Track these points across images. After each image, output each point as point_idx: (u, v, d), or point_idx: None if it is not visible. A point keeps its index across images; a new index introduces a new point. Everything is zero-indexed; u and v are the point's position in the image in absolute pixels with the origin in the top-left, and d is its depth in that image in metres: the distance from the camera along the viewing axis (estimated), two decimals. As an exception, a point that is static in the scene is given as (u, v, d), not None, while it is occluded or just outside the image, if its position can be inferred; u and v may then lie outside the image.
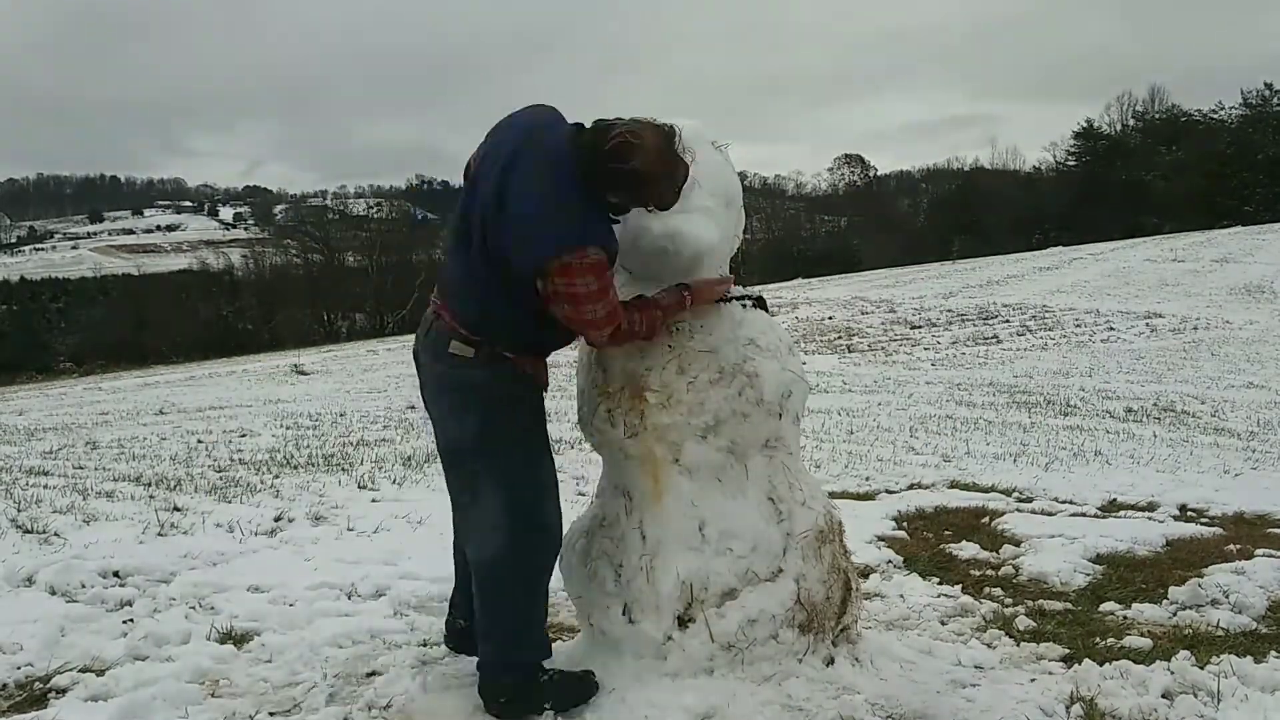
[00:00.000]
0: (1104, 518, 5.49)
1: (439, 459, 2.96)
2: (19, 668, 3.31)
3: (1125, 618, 3.75)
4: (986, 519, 5.36)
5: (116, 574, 4.32)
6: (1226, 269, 27.34)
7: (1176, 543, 4.88)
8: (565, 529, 3.03)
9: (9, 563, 4.44)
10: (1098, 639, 3.48)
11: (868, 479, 6.72)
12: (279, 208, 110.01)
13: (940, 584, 4.17)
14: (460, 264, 2.72)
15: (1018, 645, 3.42)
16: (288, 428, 10.04)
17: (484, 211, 2.57)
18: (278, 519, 5.46)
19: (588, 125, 2.60)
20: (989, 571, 4.41)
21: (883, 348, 18.22)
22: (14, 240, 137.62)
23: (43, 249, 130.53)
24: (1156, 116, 55.46)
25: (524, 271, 2.55)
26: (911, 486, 6.26)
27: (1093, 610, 3.84)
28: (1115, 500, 5.96)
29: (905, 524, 5.25)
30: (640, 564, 2.91)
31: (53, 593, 4.08)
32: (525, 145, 2.56)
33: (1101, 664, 3.14)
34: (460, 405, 2.78)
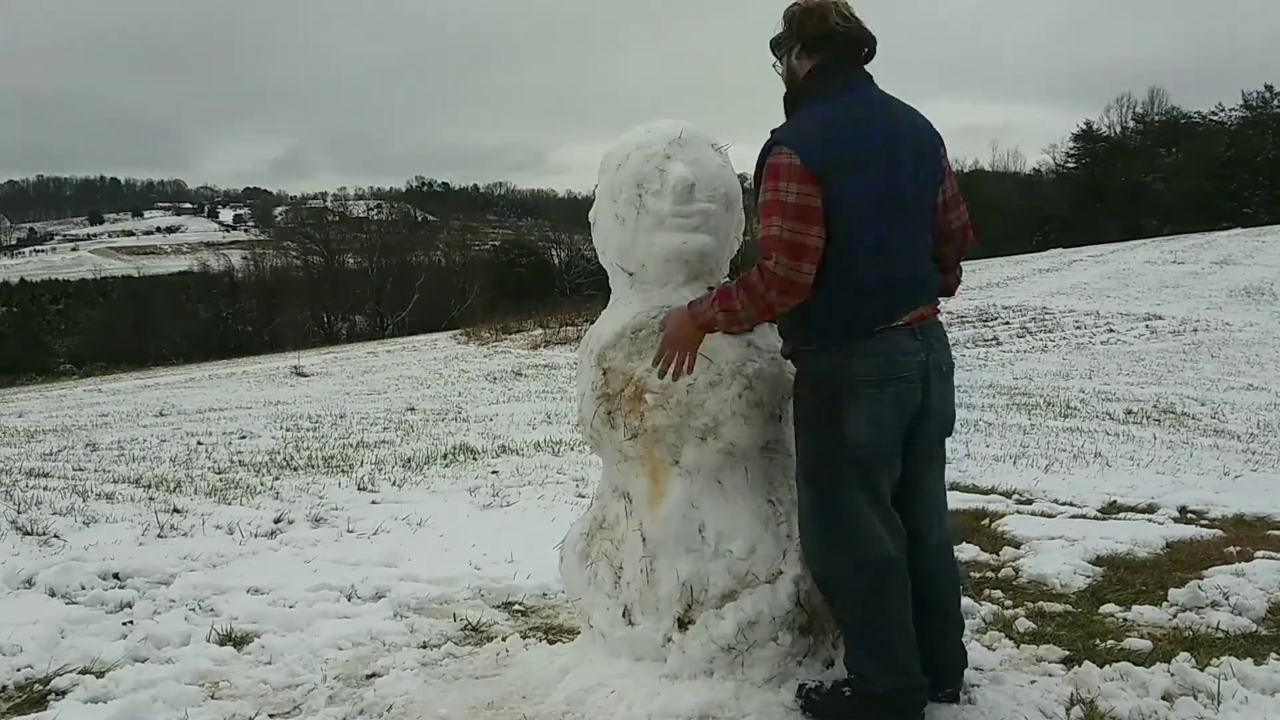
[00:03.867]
0: (1104, 520, 5.49)
1: (915, 455, 2.73)
2: (19, 669, 3.31)
3: (1125, 619, 3.75)
4: (986, 521, 5.36)
5: (116, 576, 4.33)
6: (1226, 271, 27.32)
7: (1176, 545, 4.88)
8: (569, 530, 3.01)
9: (9, 565, 4.44)
10: (1098, 641, 3.48)
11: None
12: (279, 209, 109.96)
13: (940, 586, 4.16)
14: (925, 242, 2.73)
15: (1018, 647, 3.42)
16: (287, 429, 10.04)
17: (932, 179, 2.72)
18: (277, 521, 5.47)
19: None
20: (989, 573, 4.41)
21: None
22: (14, 242, 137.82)
23: (42, 251, 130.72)
24: (1156, 119, 55.41)
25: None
26: (911, 488, 6.24)
27: (1093, 612, 3.84)
28: (1115, 502, 5.96)
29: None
30: (640, 565, 2.91)
31: (52, 594, 4.09)
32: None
33: (1101, 666, 3.14)
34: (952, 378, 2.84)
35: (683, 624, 2.85)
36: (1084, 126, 56.15)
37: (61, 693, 3.14)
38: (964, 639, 2.94)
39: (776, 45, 2.77)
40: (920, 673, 2.73)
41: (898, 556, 2.68)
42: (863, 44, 2.70)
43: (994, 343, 17.95)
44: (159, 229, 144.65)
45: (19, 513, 5.65)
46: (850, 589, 2.70)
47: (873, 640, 2.70)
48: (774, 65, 2.80)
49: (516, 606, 4.02)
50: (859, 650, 2.73)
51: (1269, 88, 51.26)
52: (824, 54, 2.66)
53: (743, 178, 3.10)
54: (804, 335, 2.71)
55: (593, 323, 3.16)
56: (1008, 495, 6.12)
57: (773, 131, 2.68)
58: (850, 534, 2.66)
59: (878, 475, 2.66)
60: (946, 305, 2.72)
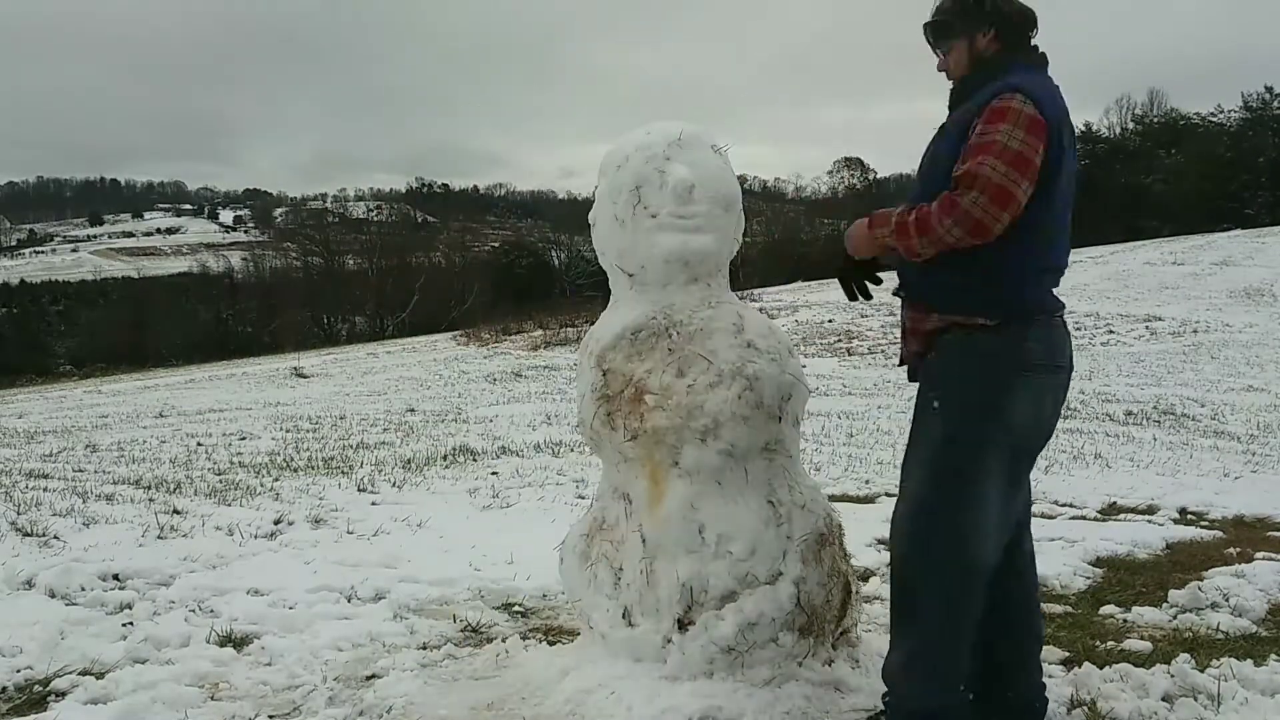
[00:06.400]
0: (1104, 521, 5.49)
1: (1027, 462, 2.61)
2: (19, 670, 3.31)
3: (1125, 621, 3.75)
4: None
5: (116, 577, 4.33)
6: (1226, 272, 27.34)
7: (1176, 546, 4.89)
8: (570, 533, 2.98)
9: (9, 565, 4.44)
10: (1098, 642, 3.48)
11: (868, 482, 6.72)
12: (279, 211, 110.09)
13: (940, 587, 4.16)
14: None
15: (1018, 648, 3.41)
16: (287, 431, 10.05)
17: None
18: (277, 522, 5.47)
19: None
20: (989, 574, 4.40)
21: (883, 350, 18.21)
22: (14, 243, 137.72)
23: (42, 252, 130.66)
24: (1156, 120, 55.42)
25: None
26: (911, 489, 6.25)
27: (1093, 613, 3.84)
28: (1115, 503, 5.96)
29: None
30: (640, 567, 2.91)
31: (52, 595, 4.09)
32: None
33: (1102, 667, 3.15)
34: None
35: (683, 625, 2.85)
36: (1083, 128, 56.13)
37: (61, 694, 3.14)
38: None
39: (947, 28, 2.58)
40: (965, 694, 2.56)
41: (991, 567, 2.51)
42: (1031, 27, 2.59)
43: (994, 344, 17.92)
44: (159, 230, 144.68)
45: (19, 514, 5.65)
46: (939, 591, 2.48)
47: (936, 651, 2.50)
48: (938, 51, 2.62)
49: (516, 608, 4.02)
50: (914, 662, 2.52)
51: (1269, 89, 51.23)
52: (1011, 36, 2.55)
53: (742, 178, 3.11)
54: (980, 308, 2.47)
55: (593, 324, 3.16)
56: (1008, 496, 6.11)
57: (953, 103, 2.58)
58: (965, 531, 2.45)
59: (1024, 466, 2.55)
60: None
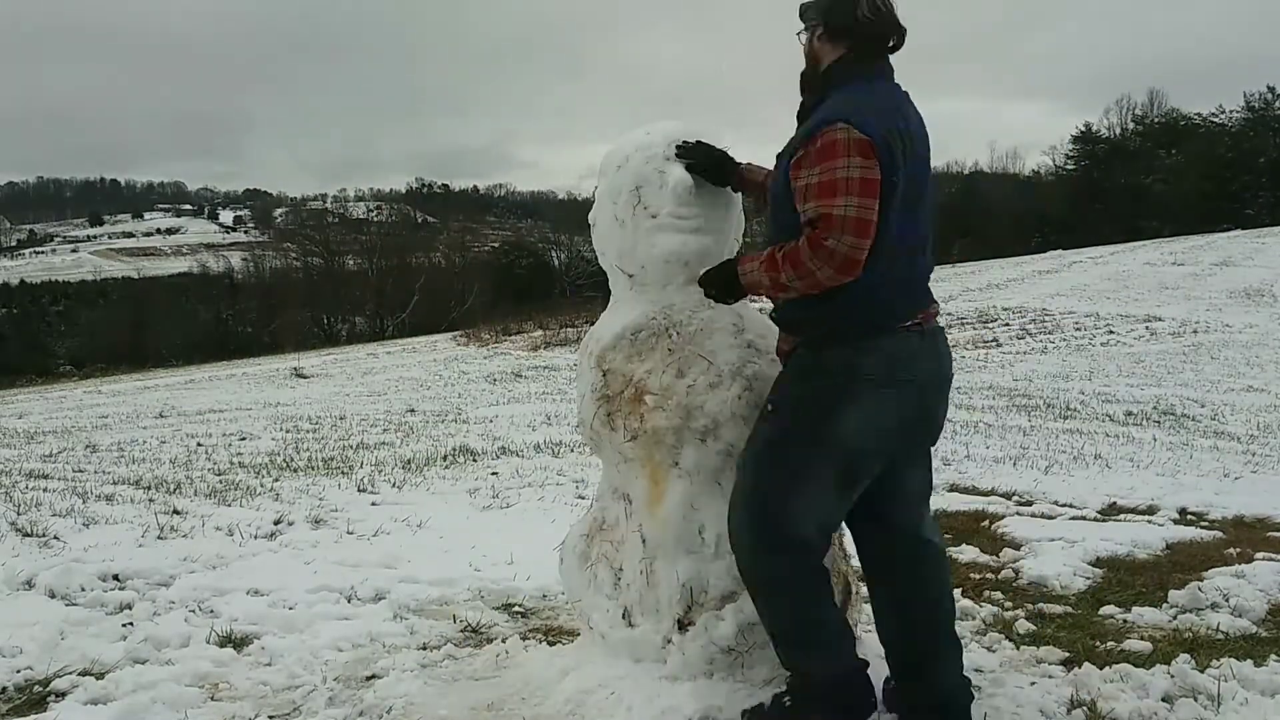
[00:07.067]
0: (1104, 521, 5.49)
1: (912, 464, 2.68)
2: (19, 671, 3.32)
3: (1125, 621, 3.75)
4: (986, 522, 5.36)
5: (116, 577, 4.33)
6: (1226, 272, 27.34)
7: (1176, 546, 4.89)
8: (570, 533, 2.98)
9: (9, 566, 4.44)
10: (1098, 642, 3.48)
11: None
12: (279, 211, 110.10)
13: (940, 587, 4.17)
14: (929, 241, 2.65)
15: (1018, 649, 3.42)
16: (287, 431, 10.05)
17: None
18: (277, 522, 5.47)
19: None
20: (989, 575, 4.41)
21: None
22: (14, 244, 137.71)
23: (42, 252, 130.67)
24: (1156, 120, 55.38)
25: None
26: (911, 490, 6.26)
27: (1093, 614, 3.84)
28: (1115, 504, 5.96)
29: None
30: (640, 567, 2.91)
31: (52, 596, 4.09)
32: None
33: (1102, 667, 3.15)
34: None
35: (683, 625, 2.85)
36: (1083, 128, 56.16)
37: (61, 694, 3.14)
38: (962, 660, 2.77)
39: (803, 14, 2.63)
40: (857, 656, 2.69)
41: (815, 548, 2.61)
42: (888, 37, 2.56)
43: (994, 344, 17.95)
44: (159, 230, 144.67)
45: (19, 514, 5.65)
46: (770, 570, 2.60)
47: (809, 627, 2.63)
48: (798, 33, 2.65)
49: (516, 608, 4.02)
50: (795, 645, 2.66)
51: (1271, 89, 51.18)
52: (847, 45, 2.54)
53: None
54: (815, 324, 2.57)
55: (593, 324, 3.16)
56: (1008, 497, 6.12)
57: (799, 115, 2.61)
58: (787, 512, 2.55)
59: (860, 474, 2.57)
60: (946, 307, 2.73)
